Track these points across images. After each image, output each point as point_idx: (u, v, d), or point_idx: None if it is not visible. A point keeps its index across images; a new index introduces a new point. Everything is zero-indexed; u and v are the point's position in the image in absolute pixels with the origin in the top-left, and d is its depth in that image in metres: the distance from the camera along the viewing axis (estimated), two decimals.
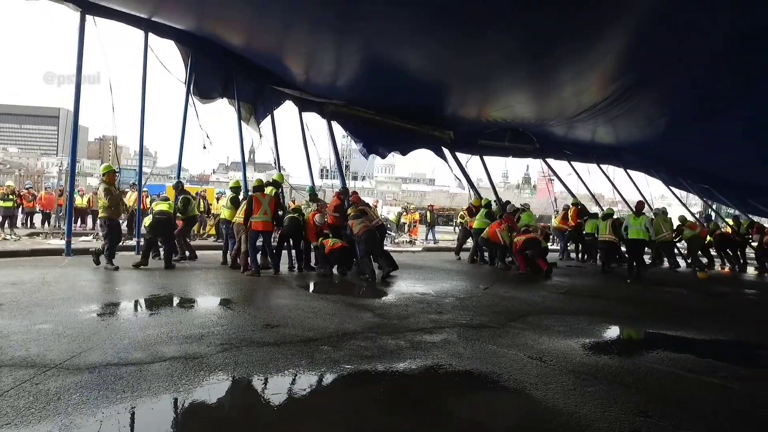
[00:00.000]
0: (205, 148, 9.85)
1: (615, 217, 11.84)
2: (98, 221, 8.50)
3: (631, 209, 10.64)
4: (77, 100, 8.44)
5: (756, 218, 17.70)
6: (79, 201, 15.00)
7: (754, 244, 13.17)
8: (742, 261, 13.35)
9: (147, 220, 8.44)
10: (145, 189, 13.35)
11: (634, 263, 9.83)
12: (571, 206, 13.94)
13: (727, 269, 13.34)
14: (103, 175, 7.93)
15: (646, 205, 13.25)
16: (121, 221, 9.16)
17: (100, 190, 7.76)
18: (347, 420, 2.70)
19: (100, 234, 8.03)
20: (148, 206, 11.78)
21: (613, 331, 5.21)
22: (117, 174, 8.53)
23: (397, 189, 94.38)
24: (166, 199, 8.90)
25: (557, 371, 3.55)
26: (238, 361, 3.44)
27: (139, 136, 9.13)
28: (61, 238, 11.11)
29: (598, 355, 4.08)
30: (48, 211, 15.54)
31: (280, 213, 8.61)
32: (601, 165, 17.24)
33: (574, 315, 5.65)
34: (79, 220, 15.48)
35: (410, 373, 3.45)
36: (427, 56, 9.10)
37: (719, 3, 6.22)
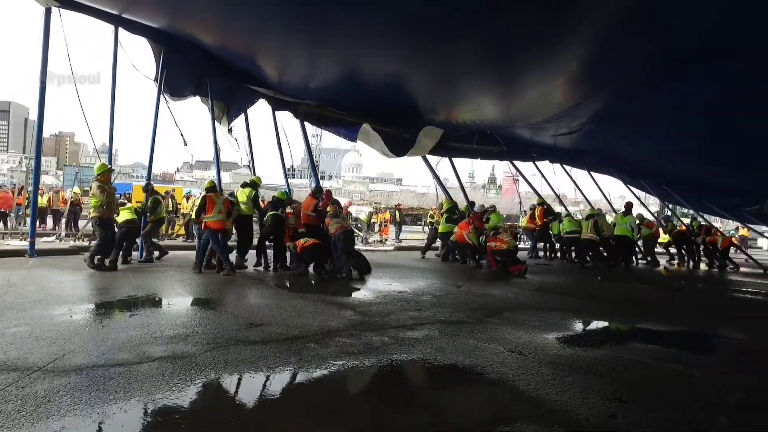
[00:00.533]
0: (186, 144, 9.65)
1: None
2: (92, 221, 8.32)
3: (592, 206, 11.34)
4: (42, 97, 8.12)
5: (711, 218, 18.74)
6: (39, 200, 14.41)
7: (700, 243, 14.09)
8: (697, 258, 14.16)
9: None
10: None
11: (616, 258, 10.57)
12: (537, 206, 14.42)
13: (677, 265, 14.10)
14: (98, 174, 7.74)
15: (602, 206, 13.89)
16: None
17: (94, 188, 7.62)
18: (343, 416, 2.78)
19: (97, 234, 7.87)
20: None
21: (584, 325, 5.47)
22: (112, 172, 8.34)
23: (364, 189, 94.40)
24: (124, 204, 8.70)
25: (536, 363, 3.73)
26: (228, 360, 3.46)
27: (109, 133, 8.88)
28: (21, 239, 10.71)
29: (572, 347, 4.30)
30: (4, 211, 14.85)
31: (257, 213, 8.56)
32: (564, 166, 17.83)
33: (546, 311, 5.89)
34: (37, 220, 14.87)
35: (398, 367, 3.56)
36: (397, 62, 9.31)
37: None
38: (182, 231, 13.43)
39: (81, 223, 14.34)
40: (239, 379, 3.19)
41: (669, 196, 18.51)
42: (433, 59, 8.92)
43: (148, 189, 9.13)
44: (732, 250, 14.76)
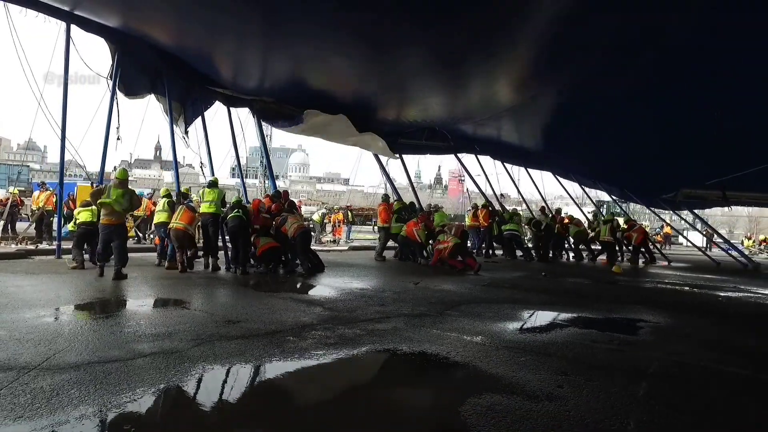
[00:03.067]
0: (119, 139, 9.46)
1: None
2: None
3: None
4: None
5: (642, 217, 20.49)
6: None
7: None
8: (621, 253, 15.64)
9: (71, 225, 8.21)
10: (51, 188, 12.45)
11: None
12: (481, 207, 15.31)
13: (604, 260, 15.46)
14: (126, 179, 7.81)
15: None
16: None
17: (122, 192, 7.53)
18: (335, 396, 3.14)
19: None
20: (54, 205, 11.24)
21: (533, 315, 6.10)
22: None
23: (311, 189, 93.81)
24: (88, 205, 8.58)
25: (494, 347, 4.25)
26: (216, 354, 3.72)
27: (61, 132, 8.64)
28: None
29: (524, 333, 4.88)
30: None
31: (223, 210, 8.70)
32: (505, 163, 18.81)
33: (498, 303, 6.49)
34: None
35: (374, 356, 3.95)
36: (347, 68, 9.75)
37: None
38: (132, 233, 13.14)
39: (19, 224, 13.67)
40: (233, 370, 3.46)
41: (597, 187, 19.96)
42: (384, 64, 9.41)
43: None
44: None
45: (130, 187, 7.78)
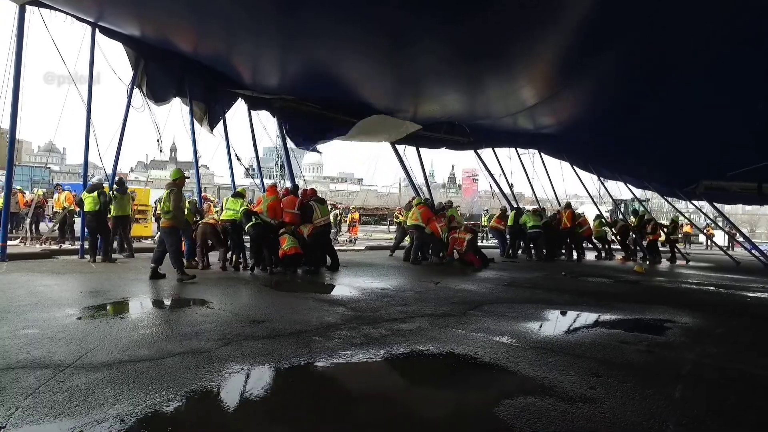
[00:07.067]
0: (161, 151, 9.67)
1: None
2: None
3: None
4: (15, 99, 7.95)
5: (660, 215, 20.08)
6: None
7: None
8: (640, 251, 15.41)
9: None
10: (73, 192, 12.63)
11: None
12: (564, 208, 15.14)
13: (620, 258, 15.23)
14: (174, 180, 7.43)
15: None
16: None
17: (167, 195, 7.34)
18: (366, 395, 3.13)
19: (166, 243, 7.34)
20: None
21: (557, 315, 6.01)
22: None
23: (325, 188, 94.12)
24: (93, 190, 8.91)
25: (521, 348, 4.20)
26: (244, 353, 3.73)
27: (85, 135, 8.77)
28: None
29: (550, 333, 4.82)
30: None
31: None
32: (521, 150, 18.72)
33: (521, 303, 6.42)
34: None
35: (402, 356, 3.92)
36: (364, 65, 9.76)
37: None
38: (149, 232, 13.36)
39: (42, 225, 13.95)
40: (262, 370, 3.47)
41: (615, 178, 19.69)
42: (398, 62, 9.39)
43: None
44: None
45: (175, 188, 7.38)
